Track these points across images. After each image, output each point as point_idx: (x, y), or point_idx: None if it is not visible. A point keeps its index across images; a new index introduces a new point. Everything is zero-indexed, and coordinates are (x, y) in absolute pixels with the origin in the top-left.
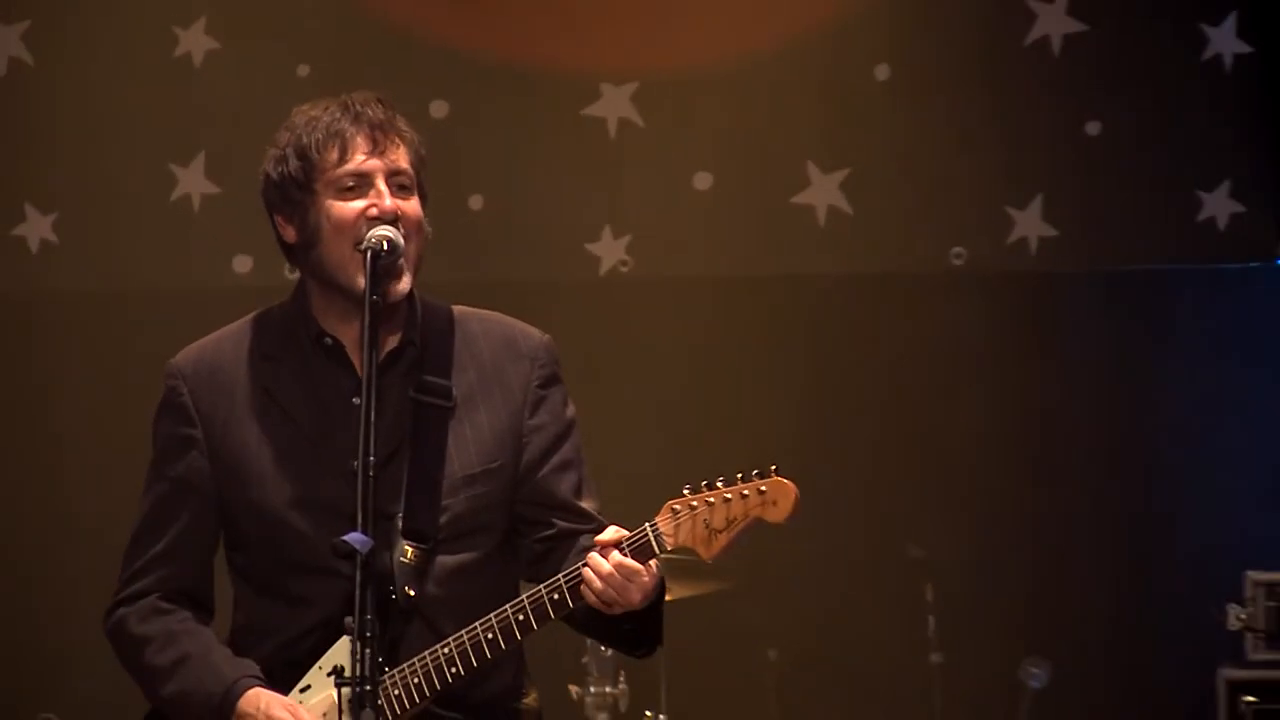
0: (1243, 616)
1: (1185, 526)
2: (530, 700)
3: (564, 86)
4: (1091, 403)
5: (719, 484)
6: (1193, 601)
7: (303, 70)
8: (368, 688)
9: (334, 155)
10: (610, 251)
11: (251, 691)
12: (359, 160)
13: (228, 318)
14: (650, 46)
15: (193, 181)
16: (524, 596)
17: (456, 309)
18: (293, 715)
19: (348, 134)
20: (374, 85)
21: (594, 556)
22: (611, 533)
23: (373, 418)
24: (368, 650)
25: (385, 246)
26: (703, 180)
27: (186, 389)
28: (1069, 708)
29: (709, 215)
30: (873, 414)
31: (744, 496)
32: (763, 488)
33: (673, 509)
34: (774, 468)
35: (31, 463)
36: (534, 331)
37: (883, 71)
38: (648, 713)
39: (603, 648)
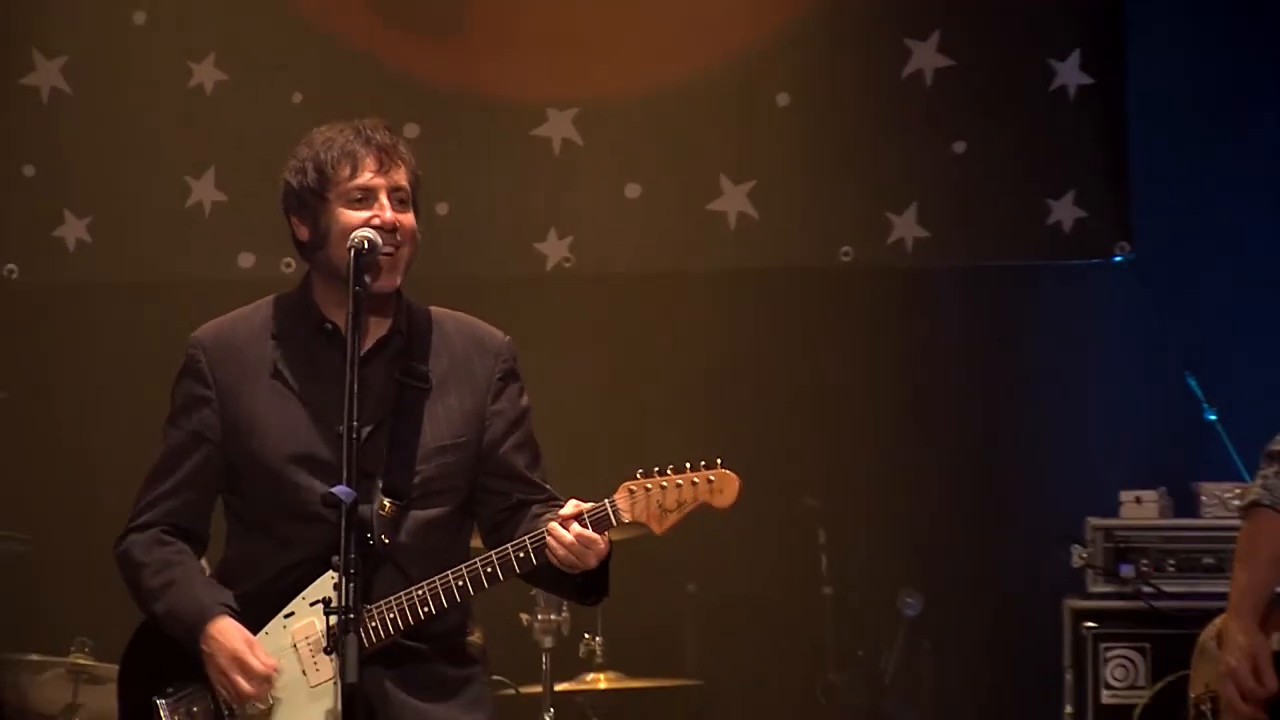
0: (1084, 556)
1: (1038, 481)
2: (475, 637)
3: (515, 111)
4: (959, 376)
5: (670, 470)
6: (1044, 543)
7: (296, 98)
8: (350, 616)
9: (346, 171)
10: (555, 250)
11: (222, 619)
12: (366, 177)
13: (232, 304)
14: (588, 78)
15: (204, 191)
16: (492, 553)
17: (434, 309)
18: (249, 649)
19: (359, 154)
20: (357, 111)
21: (556, 526)
22: (572, 506)
23: (355, 389)
24: (351, 585)
25: (366, 245)
26: (633, 190)
27: (205, 358)
28: (939, 632)
29: (638, 219)
30: (777, 389)
31: (694, 484)
32: (711, 477)
33: (629, 489)
34: (719, 460)
35: (67, 425)
36: (498, 333)
37: (784, 99)
38: (586, 635)
39: None
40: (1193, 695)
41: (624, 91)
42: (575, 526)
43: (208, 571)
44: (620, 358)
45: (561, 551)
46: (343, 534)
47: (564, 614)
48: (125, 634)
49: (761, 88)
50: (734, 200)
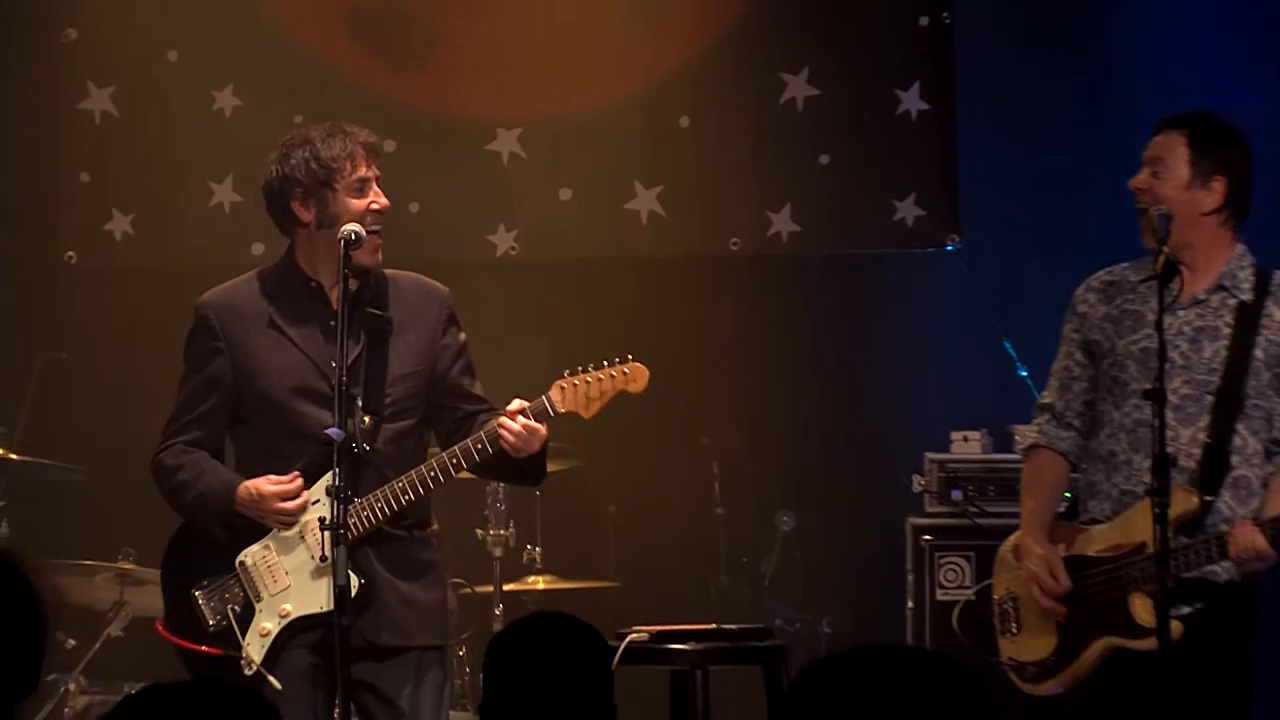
0: (922, 483)
1: (888, 423)
2: (435, 528)
3: (472, 130)
4: (825, 342)
5: (591, 368)
6: (892, 473)
7: (297, 119)
8: (342, 531)
9: (348, 166)
10: (503, 240)
11: (244, 483)
12: (363, 170)
13: None
14: (529, 104)
15: (224, 194)
16: (455, 447)
17: (387, 270)
18: (270, 482)
19: (357, 153)
20: None
21: (505, 420)
22: (517, 403)
23: (346, 340)
24: (343, 507)
25: (354, 236)
26: (565, 193)
27: (214, 316)
28: (808, 543)
29: (570, 216)
30: (681, 351)
31: (612, 376)
32: (626, 370)
33: (561, 386)
34: (630, 356)
35: (112, 379)
36: (439, 285)
37: (685, 120)
38: (528, 546)
39: (499, 505)
40: (996, 597)
41: (558, 115)
42: (520, 419)
43: None
44: (555, 326)
45: (511, 439)
46: (335, 465)
47: (510, 529)
48: (162, 544)
49: (667, 112)
50: (646, 201)
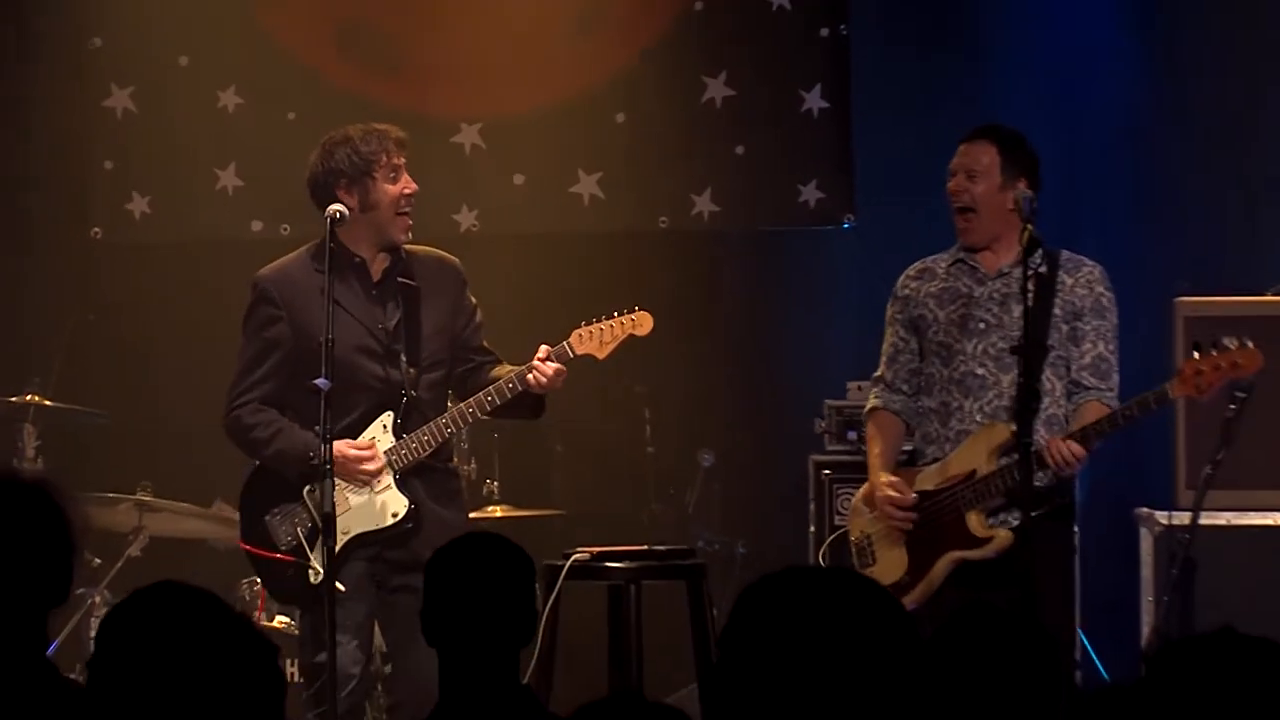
0: (823, 425)
1: (794, 376)
2: (455, 463)
3: (439, 125)
4: (741, 307)
5: (603, 317)
6: (797, 417)
7: (290, 115)
8: (329, 465)
9: (383, 157)
10: (466, 219)
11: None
12: (398, 160)
13: (245, 257)
14: (488, 103)
15: (228, 179)
16: (491, 387)
17: (406, 246)
18: (354, 447)
19: (390, 146)
20: (334, 128)
21: (539, 364)
22: (544, 350)
23: (387, 306)
24: (328, 445)
25: (339, 215)
26: (519, 179)
27: (273, 288)
28: (726, 477)
29: (523, 199)
30: (603, 311)
31: (622, 322)
32: (634, 317)
33: (579, 334)
34: (636, 307)
35: (133, 336)
36: (451, 256)
37: (620, 117)
38: (487, 480)
39: (462, 444)
40: (852, 539)
41: (513, 112)
42: (551, 362)
43: None
44: (513, 291)
45: (545, 380)
46: (322, 409)
47: (472, 465)
48: (173, 480)
49: (605, 109)
50: (587, 186)
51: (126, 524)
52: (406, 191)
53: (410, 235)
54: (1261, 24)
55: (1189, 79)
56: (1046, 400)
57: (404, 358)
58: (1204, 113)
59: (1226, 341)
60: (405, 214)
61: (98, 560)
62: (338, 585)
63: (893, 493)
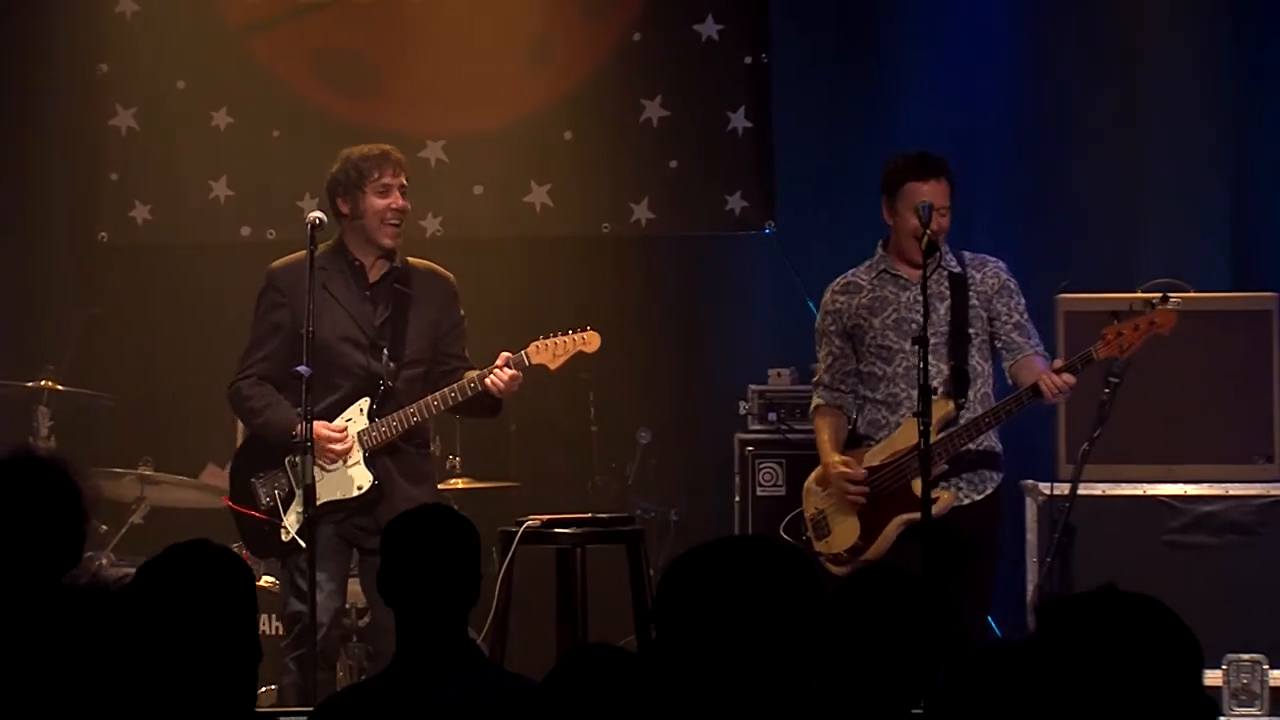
0: (746, 407)
1: (721, 363)
2: (434, 449)
3: (407, 141)
4: (673, 301)
5: (558, 333)
6: (723, 399)
7: (276, 133)
8: (309, 444)
9: (376, 174)
10: (431, 224)
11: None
12: (389, 178)
13: (236, 260)
14: (451, 122)
15: (220, 189)
16: (455, 385)
17: (409, 259)
18: (324, 428)
19: (385, 165)
20: (314, 144)
21: (498, 370)
22: (503, 357)
23: (378, 306)
24: (309, 425)
25: (318, 221)
26: (478, 189)
27: (279, 279)
28: (661, 453)
29: (483, 207)
30: (564, 308)
31: (572, 340)
32: (584, 335)
33: (536, 345)
34: (587, 326)
35: (138, 327)
36: (446, 273)
37: (568, 135)
38: (450, 455)
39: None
40: (807, 516)
41: (473, 130)
42: (508, 369)
43: None
44: (473, 290)
45: (501, 385)
46: (303, 393)
47: (437, 442)
48: (171, 455)
49: (554, 128)
50: (539, 196)
51: (130, 495)
52: (393, 206)
53: (395, 242)
54: (1138, 39)
55: (1071, 92)
56: (979, 381)
57: (386, 352)
58: (1084, 121)
59: (1143, 304)
60: (393, 225)
61: (104, 527)
62: (300, 543)
63: (845, 469)
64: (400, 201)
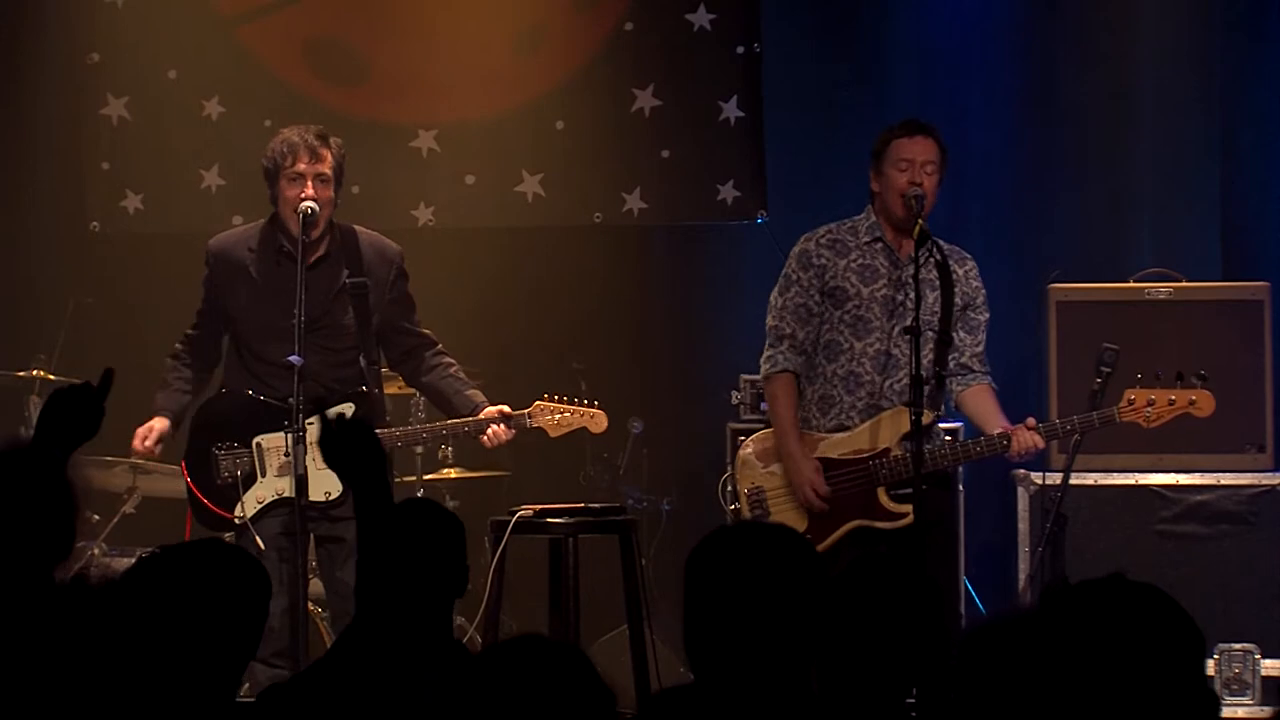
0: (738, 397)
1: (713, 352)
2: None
3: (400, 131)
4: (665, 290)
5: (567, 399)
6: (716, 389)
7: (267, 123)
8: (302, 433)
9: (288, 161)
10: (423, 214)
11: (155, 419)
12: (301, 166)
13: None
14: (442, 111)
15: (211, 178)
16: (447, 423)
17: (355, 228)
18: (141, 430)
19: (297, 151)
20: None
21: (494, 429)
22: (496, 410)
23: (303, 295)
24: (300, 414)
25: (310, 211)
26: (470, 179)
27: (212, 259)
28: (653, 443)
29: (474, 196)
30: (558, 298)
31: (580, 414)
32: (592, 413)
33: (540, 407)
34: (595, 402)
35: (131, 315)
36: (392, 245)
37: (560, 124)
38: (442, 447)
39: (420, 414)
40: (744, 490)
41: (465, 119)
42: (503, 428)
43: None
44: (465, 279)
45: (497, 443)
46: (296, 384)
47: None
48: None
49: (547, 117)
50: (531, 185)
51: (121, 485)
52: (303, 196)
53: (318, 231)
54: (1129, 28)
55: (1062, 80)
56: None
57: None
58: (1076, 110)
59: (1179, 383)
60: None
61: (96, 516)
62: (258, 543)
63: (817, 485)
64: (309, 190)
